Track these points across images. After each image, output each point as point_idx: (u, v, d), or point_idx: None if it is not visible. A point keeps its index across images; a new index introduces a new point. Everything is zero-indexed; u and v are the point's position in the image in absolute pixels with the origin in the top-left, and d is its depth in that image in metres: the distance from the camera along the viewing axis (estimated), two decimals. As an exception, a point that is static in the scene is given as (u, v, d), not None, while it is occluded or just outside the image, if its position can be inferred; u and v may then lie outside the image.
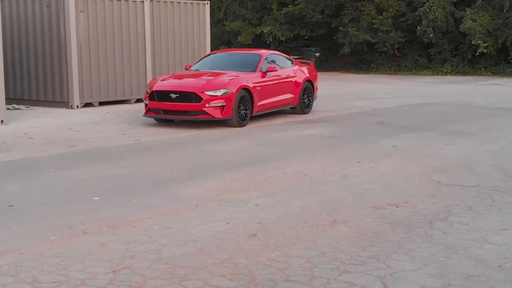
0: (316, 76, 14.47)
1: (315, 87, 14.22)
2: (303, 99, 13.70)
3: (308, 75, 13.92)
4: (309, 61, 15.40)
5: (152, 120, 12.33)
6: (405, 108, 14.82)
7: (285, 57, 14.00)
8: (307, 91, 13.84)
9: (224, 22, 32.32)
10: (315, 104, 14.50)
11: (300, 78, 13.57)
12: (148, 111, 11.93)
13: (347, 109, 14.65)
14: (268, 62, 12.94)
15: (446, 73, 27.15)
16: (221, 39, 32.88)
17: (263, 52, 13.40)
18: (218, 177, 7.54)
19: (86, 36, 14.81)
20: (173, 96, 11.49)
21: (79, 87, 14.70)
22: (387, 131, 11.15)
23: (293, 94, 13.30)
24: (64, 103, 14.81)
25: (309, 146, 9.74)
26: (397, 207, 6.14)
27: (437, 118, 12.99)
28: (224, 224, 5.62)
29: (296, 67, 13.83)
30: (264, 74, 12.45)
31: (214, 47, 29.80)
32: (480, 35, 25.48)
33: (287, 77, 13.22)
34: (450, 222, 5.58)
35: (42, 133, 10.98)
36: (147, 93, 11.98)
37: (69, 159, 8.65)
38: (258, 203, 6.32)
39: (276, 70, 12.76)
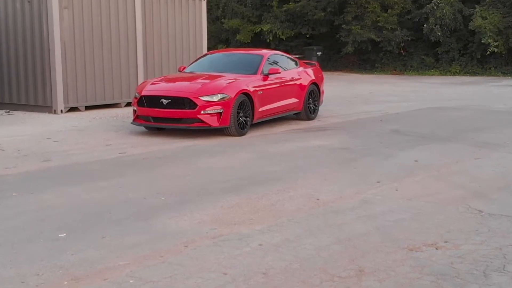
0: (322, 78, 13.23)
1: (321, 90, 12.99)
2: (309, 104, 12.46)
3: (313, 77, 12.69)
4: (314, 62, 14.17)
5: (142, 128, 11.10)
6: (418, 113, 13.59)
7: (288, 57, 12.76)
8: (313, 95, 12.60)
9: (222, 20, 31.13)
10: (320, 109, 13.27)
11: (305, 81, 12.34)
12: (137, 118, 10.69)
13: (356, 114, 13.42)
14: (270, 64, 11.70)
15: (454, 73, 25.94)
16: (219, 38, 31.70)
17: (265, 52, 12.13)
18: (213, 203, 6.31)
19: (71, 34, 13.56)
20: (164, 101, 10.26)
21: (63, 90, 13.46)
22: (404, 142, 9.92)
23: (297, 99, 12.07)
24: (47, 108, 13.57)
25: (318, 160, 8.50)
26: (436, 248, 4.91)
27: (456, 125, 11.77)
28: (220, 275, 4.39)
29: (301, 68, 12.59)
30: (265, 77, 11.21)
31: (212, 46, 28.61)
32: (490, 34, 24.26)
33: (291, 80, 11.98)
34: (510, 275, 4.35)
35: (16, 144, 9.74)
36: (135, 98, 10.75)
37: (39, 179, 7.41)
38: (263, 242, 5.08)
39: (279, 72, 11.49)
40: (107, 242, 5.10)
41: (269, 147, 9.51)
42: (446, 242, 5.06)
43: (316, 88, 12.70)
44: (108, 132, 10.92)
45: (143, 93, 10.51)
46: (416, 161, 8.37)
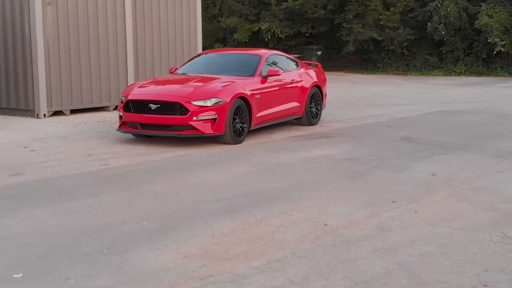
0: (325, 80, 12.30)
1: (324, 93, 12.05)
2: (310, 108, 11.53)
3: (316, 79, 11.75)
4: (316, 63, 13.26)
5: (129, 135, 10.17)
6: (429, 118, 12.65)
7: (288, 58, 11.82)
8: (315, 98, 11.67)
9: (219, 18, 30.19)
10: (323, 113, 12.32)
11: (307, 83, 11.40)
12: (123, 124, 9.75)
13: (361, 119, 12.48)
14: (269, 64, 10.77)
15: (459, 73, 25.01)
16: (216, 37, 30.78)
17: (263, 52, 11.19)
18: (203, 229, 5.38)
19: (55, 33, 12.60)
20: (153, 106, 9.33)
21: (46, 93, 12.49)
22: (417, 151, 8.99)
23: (298, 103, 11.14)
24: (30, 112, 12.61)
25: (323, 174, 7.57)
26: (475, 296, 4.00)
27: (472, 131, 10.84)
28: (207, 336, 3.47)
29: (302, 70, 11.65)
30: (264, 79, 10.28)
31: (209, 45, 27.73)
32: (497, 33, 23.32)
33: (292, 82, 11.04)
34: None
35: (-12, 154, 8.81)
36: (121, 102, 9.83)
37: (4, 199, 6.46)
38: (261, 286, 4.16)
39: (279, 74, 10.55)
40: (70, 286, 4.17)
41: (267, 157, 8.58)
42: (485, 286, 4.14)
43: (318, 91, 11.77)
44: (91, 140, 9.98)
45: (130, 97, 9.59)
46: (433, 175, 7.45)
